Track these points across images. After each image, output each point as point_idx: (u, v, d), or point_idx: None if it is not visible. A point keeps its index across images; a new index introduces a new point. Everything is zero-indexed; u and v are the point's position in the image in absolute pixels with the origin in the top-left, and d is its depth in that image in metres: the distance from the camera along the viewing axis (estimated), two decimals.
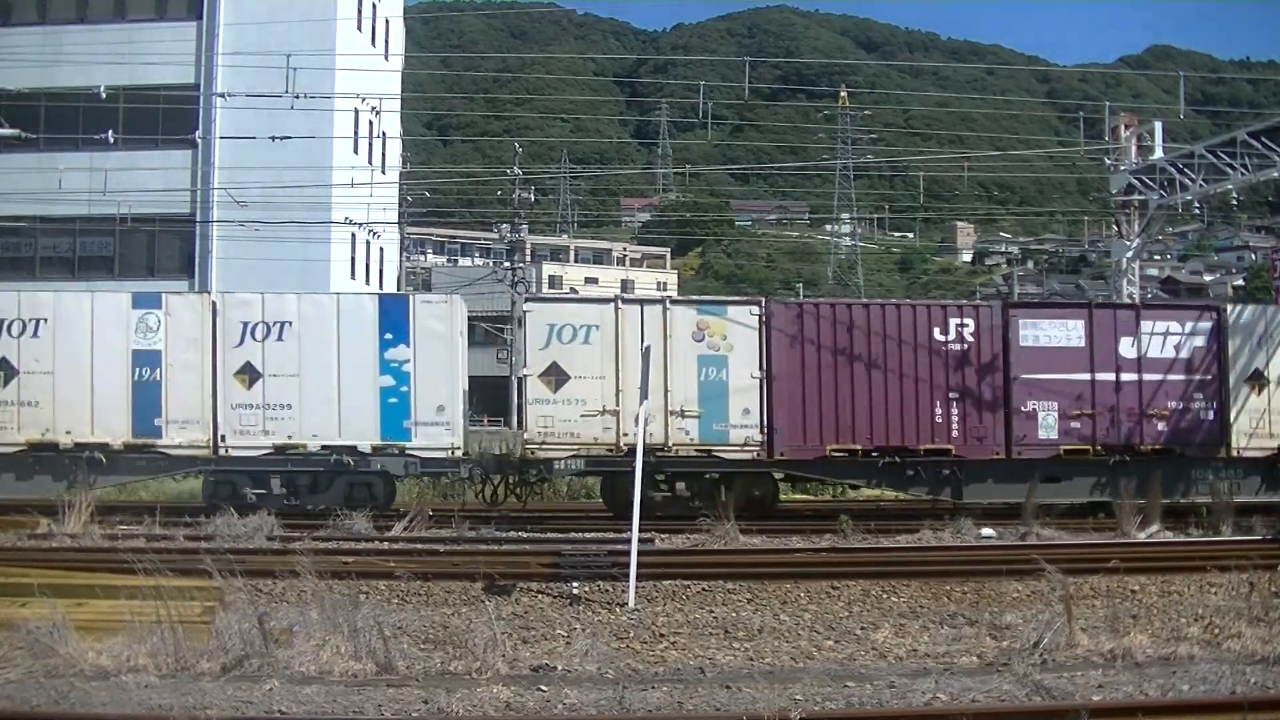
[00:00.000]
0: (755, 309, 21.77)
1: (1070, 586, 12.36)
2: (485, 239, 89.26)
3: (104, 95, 30.63)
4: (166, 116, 37.49)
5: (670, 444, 21.04)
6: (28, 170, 34.33)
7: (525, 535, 19.48)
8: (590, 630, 12.72)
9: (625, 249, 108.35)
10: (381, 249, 47.27)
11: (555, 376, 20.93)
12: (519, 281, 53.48)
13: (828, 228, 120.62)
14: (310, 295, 22.37)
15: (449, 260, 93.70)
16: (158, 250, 39.53)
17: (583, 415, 20.91)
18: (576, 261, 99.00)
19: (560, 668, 10.99)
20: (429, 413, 21.02)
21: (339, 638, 10.89)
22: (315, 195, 34.62)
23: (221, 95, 33.76)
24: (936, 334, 21.67)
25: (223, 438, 20.95)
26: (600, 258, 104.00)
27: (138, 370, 20.93)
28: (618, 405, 20.87)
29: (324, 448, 20.93)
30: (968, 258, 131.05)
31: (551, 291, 68.92)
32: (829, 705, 9.73)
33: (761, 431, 21.25)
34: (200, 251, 38.64)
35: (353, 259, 42.90)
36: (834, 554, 17.39)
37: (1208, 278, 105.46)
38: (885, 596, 14.84)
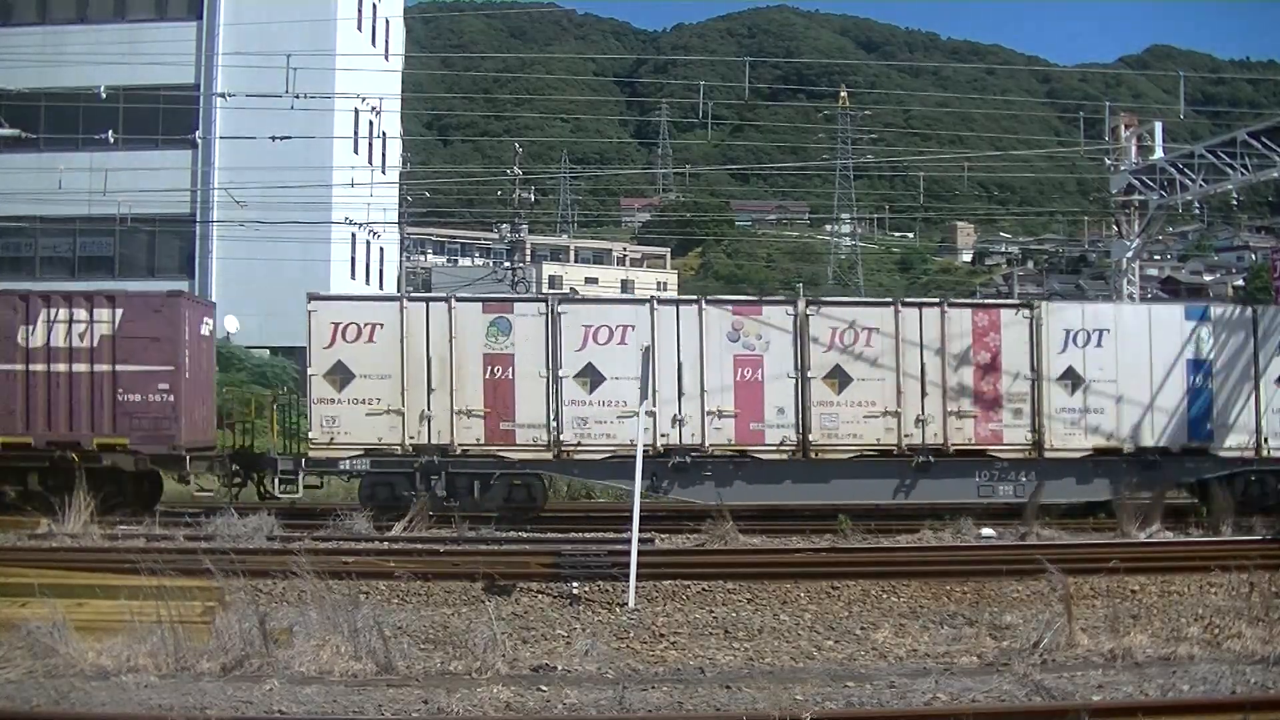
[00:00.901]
0: None
1: (1070, 586, 12.37)
2: (485, 239, 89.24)
3: (104, 95, 30.61)
4: (166, 116, 37.58)
5: None
6: (28, 170, 34.37)
7: (525, 535, 19.51)
8: (590, 630, 12.72)
9: (625, 249, 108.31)
10: (381, 249, 47.33)
11: None
12: (519, 282, 53.49)
13: (828, 228, 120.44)
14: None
15: (449, 260, 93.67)
16: (158, 250, 39.63)
17: None
18: (576, 261, 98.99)
19: (560, 668, 10.99)
20: None
21: (339, 638, 10.89)
22: (315, 195, 34.62)
23: (221, 95, 33.77)
24: None
25: None
26: (600, 258, 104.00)
27: (1190, 378, 22.38)
28: None
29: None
30: (968, 258, 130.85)
31: None
32: (829, 705, 9.72)
33: None
34: (200, 252, 38.71)
35: (353, 259, 42.96)
36: (834, 554, 17.40)
37: (1208, 278, 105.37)
38: (885, 596, 14.84)
